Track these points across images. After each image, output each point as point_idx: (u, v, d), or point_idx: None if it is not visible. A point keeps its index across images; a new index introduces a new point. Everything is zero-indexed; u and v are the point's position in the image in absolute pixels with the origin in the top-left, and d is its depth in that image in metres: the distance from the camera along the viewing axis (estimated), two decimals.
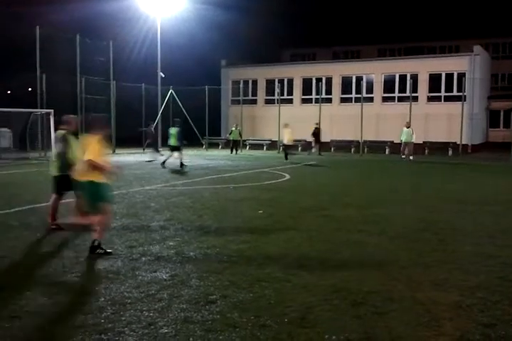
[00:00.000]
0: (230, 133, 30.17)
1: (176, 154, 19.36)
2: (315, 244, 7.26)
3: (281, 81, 36.14)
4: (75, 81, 28.25)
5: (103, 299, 4.88)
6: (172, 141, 19.35)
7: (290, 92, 36.08)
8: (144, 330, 4.20)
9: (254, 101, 37.10)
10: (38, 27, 25.69)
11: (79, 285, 5.33)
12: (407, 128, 25.27)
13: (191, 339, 4.05)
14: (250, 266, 6.05)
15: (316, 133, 28.77)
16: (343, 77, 34.47)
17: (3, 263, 6.12)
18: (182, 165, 18.84)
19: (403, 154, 24.81)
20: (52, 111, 23.54)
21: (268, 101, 36.55)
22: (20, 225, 8.37)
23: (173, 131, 19.45)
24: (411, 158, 24.37)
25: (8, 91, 27.92)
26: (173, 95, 33.01)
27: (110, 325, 4.27)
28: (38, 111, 24.71)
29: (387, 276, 5.70)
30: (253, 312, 4.59)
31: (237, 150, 29.46)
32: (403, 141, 25.01)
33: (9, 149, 24.22)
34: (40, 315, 4.51)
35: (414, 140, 25.12)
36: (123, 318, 4.43)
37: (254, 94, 37.39)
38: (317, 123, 29.45)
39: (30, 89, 28.31)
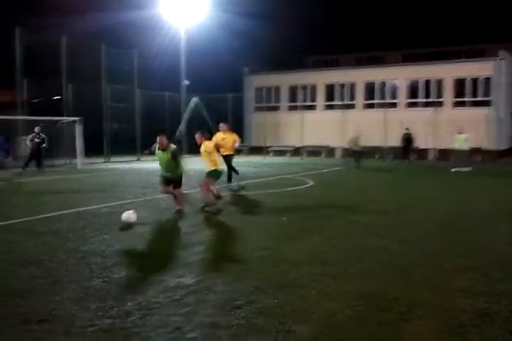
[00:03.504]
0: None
1: None
2: (339, 250, 7.27)
3: (304, 87, 36.18)
4: (100, 89, 28.70)
5: (130, 304, 4.97)
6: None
7: (313, 98, 36.08)
8: (170, 335, 4.26)
9: (277, 108, 37.19)
10: (64, 37, 26.21)
11: (106, 290, 5.42)
12: (461, 134, 22.48)
13: None
14: (275, 273, 6.08)
15: (408, 139, 26.54)
16: (366, 83, 34.37)
17: (31, 268, 6.25)
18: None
19: (456, 166, 21.45)
20: (78, 118, 23.96)
21: (291, 108, 36.61)
22: (48, 231, 8.53)
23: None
24: (465, 169, 21.17)
25: (36, 100, 28.45)
26: (196, 103, 33.24)
27: (137, 330, 4.34)
28: (65, 119, 25.14)
29: (411, 283, 5.68)
30: (278, 317, 4.62)
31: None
32: (456, 147, 22.26)
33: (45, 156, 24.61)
34: (67, 319, 4.60)
35: (466, 147, 22.24)
36: (150, 323, 4.50)
37: (277, 100, 37.48)
38: (407, 129, 26.89)
39: (57, 97, 28.84)
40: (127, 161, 27.84)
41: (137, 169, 23.17)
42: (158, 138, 9.97)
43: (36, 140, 20.86)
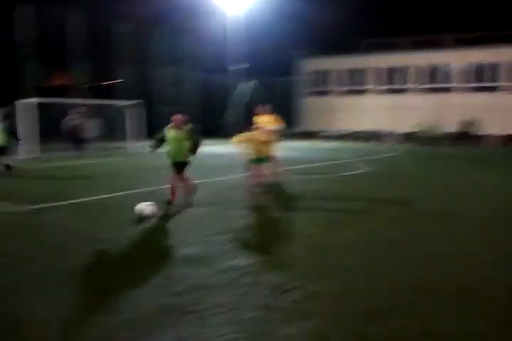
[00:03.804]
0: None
1: None
2: (391, 235, 7.30)
3: (357, 71, 35.73)
4: (155, 73, 29.24)
5: (187, 283, 5.23)
6: None
7: (366, 82, 35.60)
8: (226, 314, 4.48)
9: (329, 92, 36.91)
10: (122, 22, 26.83)
11: (164, 270, 5.70)
12: None
13: (271, 324, 4.29)
14: (324, 257, 6.22)
15: (466, 125, 25.64)
16: (420, 67, 33.61)
17: (93, 244, 6.60)
18: None
19: None
20: (140, 102, 24.59)
21: (344, 92, 36.26)
22: (101, 211, 8.94)
23: None
24: None
25: (97, 84, 29.40)
26: (251, 87, 33.34)
27: (194, 308, 4.59)
28: (127, 102, 25.78)
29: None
30: (328, 302, 4.76)
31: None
32: None
33: (97, 139, 25.37)
34: (133, 297, 4.90)
35: None
36: (206, 302, 4.74)
37: (330, 84, 37.18)
38: (467, 114, 26.09)
39: (118, 81, 29.64)
40: None
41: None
42: (173, 117, 9.33)
43: (73, 122, 20.97)
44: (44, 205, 9.38)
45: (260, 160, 10.57)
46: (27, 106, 20.63)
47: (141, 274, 5.55)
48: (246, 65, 33.25)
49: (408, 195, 11.10)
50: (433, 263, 6.03)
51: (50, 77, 31.94)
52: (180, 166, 9.29)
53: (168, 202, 9.22)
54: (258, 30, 35.99)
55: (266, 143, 10.56)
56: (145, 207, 8.01)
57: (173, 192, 9.31)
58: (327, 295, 4.94)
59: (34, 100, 21.14)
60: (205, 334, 4.09)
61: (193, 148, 9.34)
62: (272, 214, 9.14)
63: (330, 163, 18.56)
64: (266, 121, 14.23)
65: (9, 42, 25.17)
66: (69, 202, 9.84)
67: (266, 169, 11.20)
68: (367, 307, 4.62)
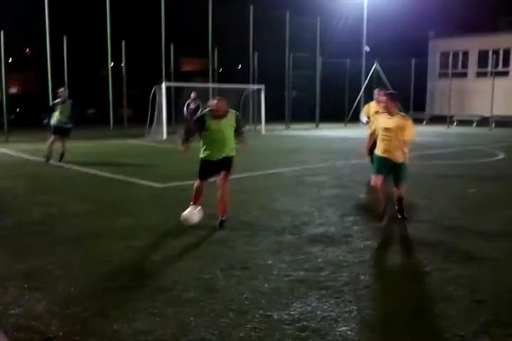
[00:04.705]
0: None
1: None
2: None
3: (496, 51, 33.36)
4: (284, 57, 29.46)
5: (321, 260, 5.26)
6: None
7: (506, 64, 33.17)
8: (361, 291, 4.45)
9: (464, 74, 34.91)
10: (251, 6, 27.27)
11: (296, 245, 5.79)
12: None
13: (409, 307, 4.21)
14: (464, 242, 5.95)
15: None
16: None
17: (231, 220, 6.85)
18: None
19: None
20: (263, 86, 25.01)
21: (480, 74, 34.12)
22: (237, 190, 9.23)
23: None
24: None
25: (221, 69, 30.30)
26: (377, 69, 32.50)
27: (330, 284, 4.61)
28: (251, 86, 26.37)
29: None
30: (468, 287, 4.55)
31: None
32: None
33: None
34: (266, 268, 5.03)
35: None
36: (340, 278, 4.74)
37: (465, 66, 35.15)
38: None
39: (240, 66, 30.35)
40: (307, 128, 28.44)
41: (317, 136, 23.61)
42: (215, 103, 6.53)
43: (192, 105, 21.42)
44: (177, 183, 9.86)
45: (384, 164, 6.80)
46: (161, 90, 21.74)
47: (277, 248, 5.67)
48: (368, 48, 32.38)
49: None
50: None
51: (183, 62, 33.41)
52: (222, 164, 6.67)
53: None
54: (389, 10, 34.79)
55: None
56: (193, 215, 6.37)
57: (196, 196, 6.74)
58: (469, 281, 4.72)
59: (167, 84, 22.28)
60: (340, 308, 4.10)
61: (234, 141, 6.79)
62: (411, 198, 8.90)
63: (465, 148, 17.64)
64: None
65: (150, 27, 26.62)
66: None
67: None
68: (508, 296, 4.36)
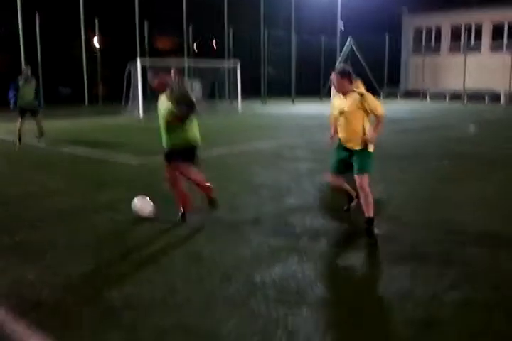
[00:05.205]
0: None
1: None
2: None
3: (468, 27, 33.71)
4: (259, 34, 29.35)
5: (299, 229, 5.47)
6: None
7: (478, 39, 33.55)
8: (339, 255, 4.68)
9: (437, 50, 35.22)
10: None
11: (277, 216, 5.98)
12: None
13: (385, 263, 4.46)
14: (442, 210, 6.22)
15: None
16: None
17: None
18: None
19: None
20: (238, 62, 24.93)
21: (453, 50, 34.47)
22: (220, 165, 9.37)
23: None
24: None
25: (195, 44, 30.09)
26: (351, 46, 32.61)
27: (308, 249, 4.82)
28: (225, 62, 26.24)
29: None
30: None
31: None
32: None
33: (201, 99, 26.12)
34: (246, 236, 5.23)
35: None
36: (319, 244, 4.96)
37: (438, 42, 35.44)
38: None
39: (216, 41, 30.17)
40: (283, 104, 28.54)
41: (293, 112, 23.76)
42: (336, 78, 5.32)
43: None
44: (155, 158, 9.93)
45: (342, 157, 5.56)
46: (136, 67, 21.55)
47: (259, 219, 5.86)
48: (342, 25, 32.39)
49: None
50: None
51: (157, 39, 33.03)
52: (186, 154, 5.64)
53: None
54: None
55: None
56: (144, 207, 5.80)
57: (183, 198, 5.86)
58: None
59: (143, 62, 22.06)
60: (317, 271, 4.32)
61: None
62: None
63: (440, 123, 17.98)
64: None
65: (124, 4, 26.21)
66: None
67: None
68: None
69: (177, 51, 30.56)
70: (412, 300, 3.69)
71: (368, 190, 5.24)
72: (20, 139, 12.46)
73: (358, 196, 5.49)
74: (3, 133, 14.68)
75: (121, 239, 5.24)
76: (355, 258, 4.65)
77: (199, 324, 3.40)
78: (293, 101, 30.20)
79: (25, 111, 12.50)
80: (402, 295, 3.78)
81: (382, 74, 33.59)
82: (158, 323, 3.40)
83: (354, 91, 5.37)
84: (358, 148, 5.31)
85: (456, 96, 31.44)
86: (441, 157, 10.15)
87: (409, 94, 33.71)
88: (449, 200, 6.68)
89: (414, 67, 34.65)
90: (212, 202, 6.00)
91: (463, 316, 3.48)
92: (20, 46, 21.52)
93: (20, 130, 12.46)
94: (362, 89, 7.76)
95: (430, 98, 32.60)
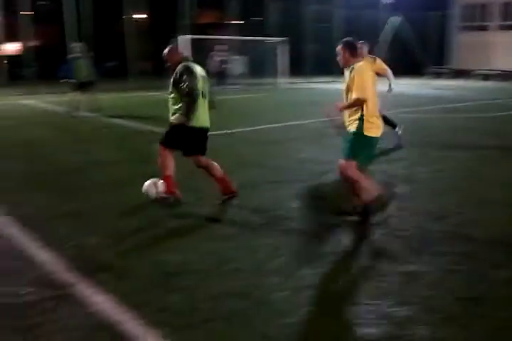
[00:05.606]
0: None
1: None
2: None
3: None
4: (302, 9, 29.04)
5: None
6: None
7: None
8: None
9: (486, 28, 34.08)
10: None
11: (319, 191, 6.12)
12: None
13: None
14: (479, 189, 6.22)
15: None
16: None
17: (254, 169, 7.17)
18: None
19: None
20: (286, 38, 24.77)
21: (503, 27, 33.28)
22: (265, 141, 9.51)
23: None
24: None
25: (242, 21, 29.97)
26: (394, 23, 31.83)
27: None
28: (272, 39, 26.07)
29: None
30: (483, 228, 4.82)
31: None
32: None
33: (244, 75, 26.18)
34: (291, 211, 5.40)
35: None
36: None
37: (488, 19, 34.24)
38: None
39: (262, 18, 29.99)
40: (327, 81, 28.28)
41: (337, 88, 23.49)
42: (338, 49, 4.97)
43: (217, 58, 21.25)
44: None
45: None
46: (182, 42, 21.69)
47: (303, 194, 6.01)
48: (388, 0, 31.68)
49: None
50: None
51: (202, 14, 33.06)
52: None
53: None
54: None
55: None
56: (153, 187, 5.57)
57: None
58: (484, 223, 5.02)
59: (188, 37, 22.20)
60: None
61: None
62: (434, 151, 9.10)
63: (484, 102, 17.61)
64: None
65: None
66: (225, 131, 10.43)
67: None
68: None
69: (221, 26, 30.61)
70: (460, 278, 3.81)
71: (353, 177, 4.75)
72: (77, 111, 13.18)
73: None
74: (56, 105, 15.22)
75: (170, 210, 5.44)
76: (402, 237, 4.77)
77: (252, 291, 3.59)
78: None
79: (84, 85, 13.17)
80: (451, 272, 3.91)
81: (428, 53, 32.79)
82: (214, 288, 3.62)
83: (354, 63, 4.80)
84: (350, 129, 4.83)
85: (505, 76, 30.48)
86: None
87: (456, 74, 32.84)
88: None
89: (461, 46, 33.65)
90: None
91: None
92: (63, 21, 22.01)
93: (76, 102, 13.21)
94: (375, 64, 8.05)
95: (480, 77, 31.68)
